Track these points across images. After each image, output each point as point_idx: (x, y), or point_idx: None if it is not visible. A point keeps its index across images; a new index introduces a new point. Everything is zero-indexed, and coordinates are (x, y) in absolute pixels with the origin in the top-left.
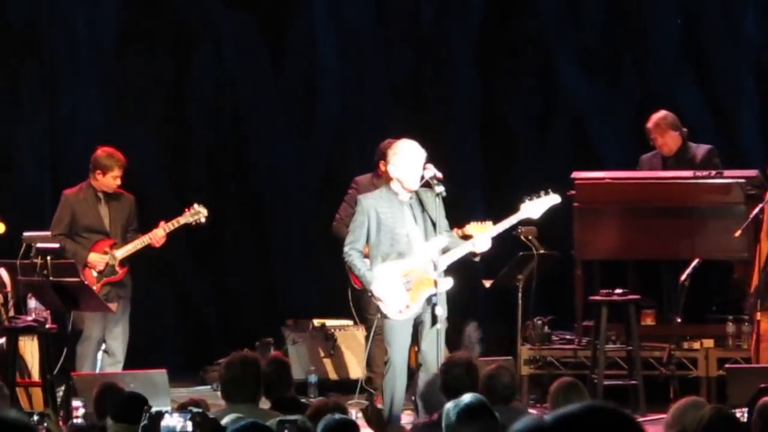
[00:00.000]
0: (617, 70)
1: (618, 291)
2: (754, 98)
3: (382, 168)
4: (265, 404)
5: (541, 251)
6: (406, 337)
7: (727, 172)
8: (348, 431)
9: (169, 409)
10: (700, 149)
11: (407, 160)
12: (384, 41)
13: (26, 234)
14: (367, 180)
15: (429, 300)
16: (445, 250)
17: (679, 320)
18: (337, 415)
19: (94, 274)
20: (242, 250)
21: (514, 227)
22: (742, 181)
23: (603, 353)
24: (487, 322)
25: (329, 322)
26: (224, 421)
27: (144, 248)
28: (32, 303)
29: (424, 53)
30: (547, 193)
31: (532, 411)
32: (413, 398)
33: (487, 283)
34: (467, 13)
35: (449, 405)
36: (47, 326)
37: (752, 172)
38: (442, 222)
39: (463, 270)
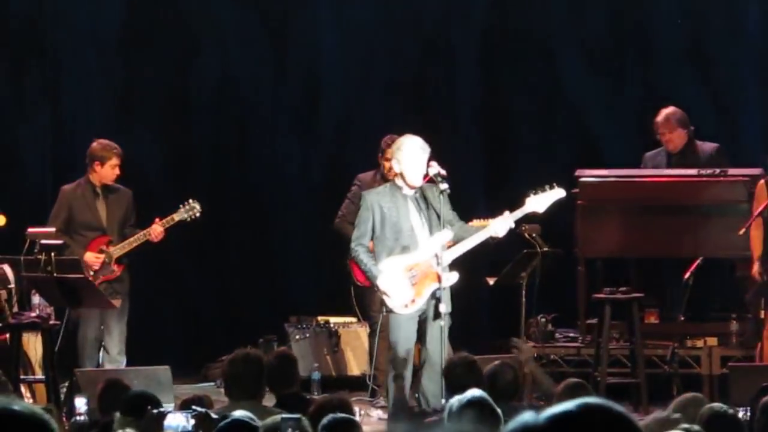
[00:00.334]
0: (620, 67)
1: (621, 289)
2: (757, 96)
3: (382, 164)
4: (270, 400)
5: (545, 249)
6: (411, 334)
7: (730, 171)
8: (349, 429)
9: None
10: (708, 147)
11: (411, 156)
12: (387, 38)
13: (30, 230)
14: (369, 177)
15: (434, 294)
16: (458, 240)
17: (682, 318)
18: (339, 414)
19: (91, 273)
20: (245, 246)
21: (517, 225)
22: (746, 179)
23: (606, 351)
24: (491, 320)
25: (333, 320)
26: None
27: (142, 244)
28: (36, 299)
29: (427, 50)
30: (552, 187)
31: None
32: (416, 395)
33: (491, 281)
34: (471, 10)
35: (453, 401)
36: (51, 322)
37: (755, 171)
38: (448, 216)
39: (466, 268)
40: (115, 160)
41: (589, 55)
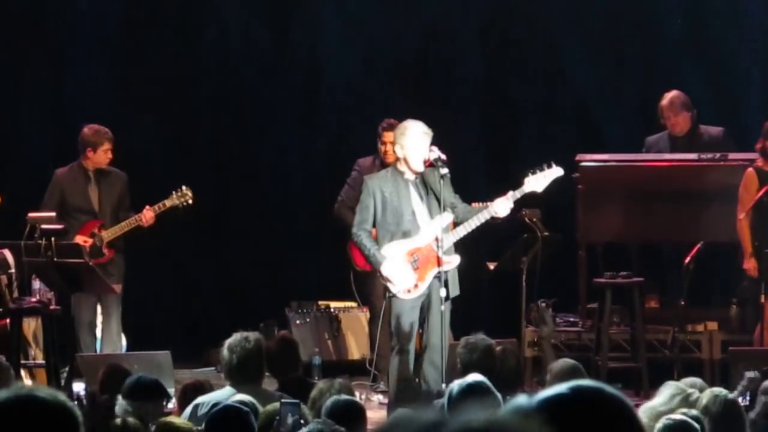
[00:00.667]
0: (621, 52)
1: (622, 273)
2: (758, 80)
3: (380, 148)
4: (272, 384)
5: (545, 234)
6: (413, 319)
7: (731, 155)
8: (353, 413)
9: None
10: (713, 131)
11: (415, 141)
12: (388, 24)
13: (31, 215)
14: (369, 162)
15: (438, 278)
16: (461, 222)
17: (682, 303)
18: (343, 396)
19: None
20: (246, 232)
21: (517, 210)
22: (746, 163)
23: (607, 336)
24: (491, 304)
25: (333, 304)
26: (230, 400)
27: (134, 229)
28: (36, 284)
29: (428, 36)
30: (549, 166)
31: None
32: (416, 380)
33: (492, 266)
34: None
35: (453, 384)
36: (51, 307)
37: (756, 155)
38: (450, 199)
39: (467, 253)
40: (107, 145)
41: (590, 40)
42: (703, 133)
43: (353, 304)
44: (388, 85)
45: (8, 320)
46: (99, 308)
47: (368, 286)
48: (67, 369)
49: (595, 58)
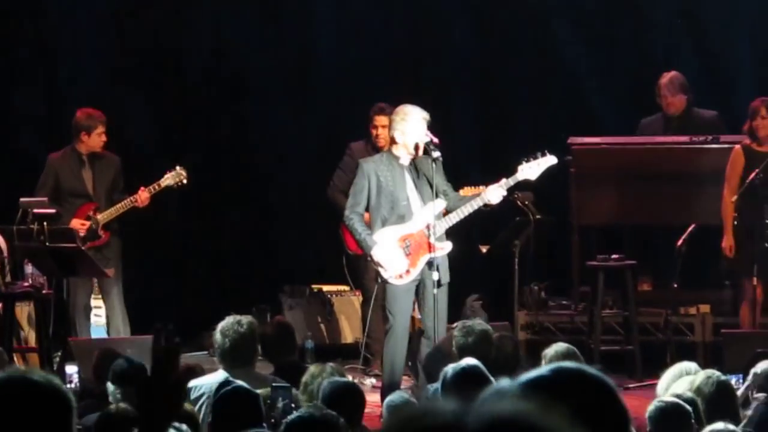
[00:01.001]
0: (615, 35)
1: (615, 256)
2: (751, 63)
3: (372, 132)
4: (268, 368)
5: (538, 217)
6: (407, 304)
7: (723, 138)
8: (350, 395)
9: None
10: (706, 114)
11: (415, 126)
12: (380, 6)
13: (23, 200)
14: (361, 146)
15: (430, 264)
16: (453, 210)
17: (675, 286)
18: (341, 378)
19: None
20: (239, 216)
21: (510, 193)
22: (739, 146)
23: (599, 319)
24: (484, 288)
25: (326, 288)
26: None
27: (129, 211)
28: (29, 269)
29: (421, 19)
30: (543, 155)
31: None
32: (409, 364)
33: (484, 249)
34: None
35: (447, 368)
36: (44, 292)
37: (747, 137)
38: (442, 185)
39: (460, 236)
40: (101, 128)
41: (583, 23)
42: (696, 116)
43: (346, 287)
44: (380, 68)
45: (0, 305)
46: (96, 292)
47: (361, 270)
48: (59, 353)
49: (588, 41)
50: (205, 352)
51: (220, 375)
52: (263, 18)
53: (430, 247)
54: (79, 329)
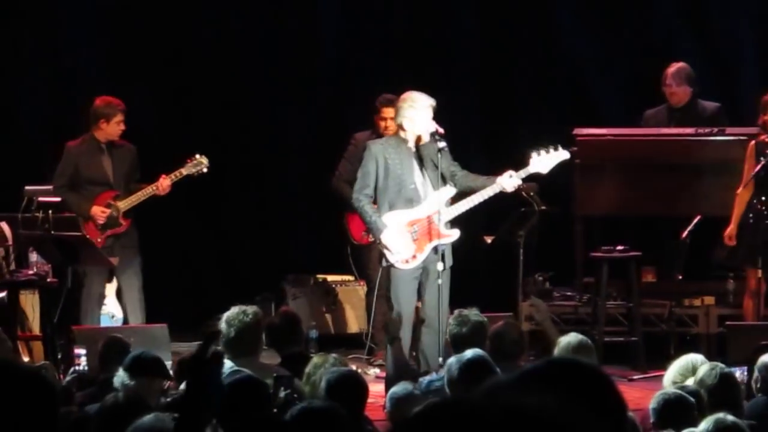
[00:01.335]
0: (618, 24)
1: (619, 247)
2: (755, 54)
3: (378, 123)
4: (275, 358)
5: (542, 207)
6: (412, 291)
7: (728, 130)
8: (353, 385)
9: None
10: (710, 106)
11: (424, 114)
12: None
13: (28, 188)
14: (366, 137)
15: (435, 251)
16: (465, 190)
17: (679, 277)
18: (344, 368)
19: (98, 226)
20: (243, 205)
21: None
22: (743, 138)
23: (603, 310)
24: (488, 278)
25: (330, 278)
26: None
27: (149, 198)
28: (33, 257)
29: (424, 7)
30: (556, 149)
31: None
32: (413, 353)
33: (488, 239)
34: None
35: (452, 360)
36: (48, 280)
37: (753, 130)
38: (449, 169)
39: (464, 226)
40: (119, 116)
41: (587, 12)
42: (700, 107)
43: (350, 277)
44: (383, 57)
45: (5, 293)
46: (114, 281)
47: (365, 259)
48: (63, 342)
49: (592, 31)
50: None
51: (225, 365)
52: (267, 7)
53: (437, 234)
54: (90, 317)
